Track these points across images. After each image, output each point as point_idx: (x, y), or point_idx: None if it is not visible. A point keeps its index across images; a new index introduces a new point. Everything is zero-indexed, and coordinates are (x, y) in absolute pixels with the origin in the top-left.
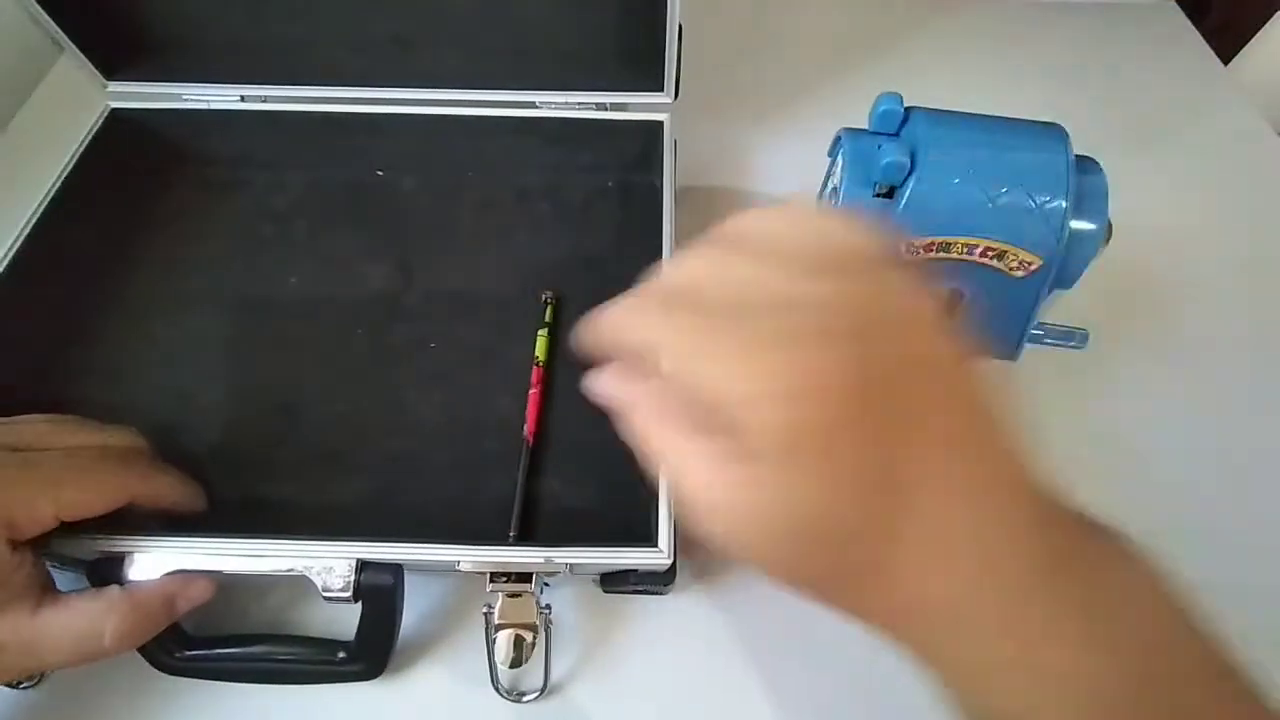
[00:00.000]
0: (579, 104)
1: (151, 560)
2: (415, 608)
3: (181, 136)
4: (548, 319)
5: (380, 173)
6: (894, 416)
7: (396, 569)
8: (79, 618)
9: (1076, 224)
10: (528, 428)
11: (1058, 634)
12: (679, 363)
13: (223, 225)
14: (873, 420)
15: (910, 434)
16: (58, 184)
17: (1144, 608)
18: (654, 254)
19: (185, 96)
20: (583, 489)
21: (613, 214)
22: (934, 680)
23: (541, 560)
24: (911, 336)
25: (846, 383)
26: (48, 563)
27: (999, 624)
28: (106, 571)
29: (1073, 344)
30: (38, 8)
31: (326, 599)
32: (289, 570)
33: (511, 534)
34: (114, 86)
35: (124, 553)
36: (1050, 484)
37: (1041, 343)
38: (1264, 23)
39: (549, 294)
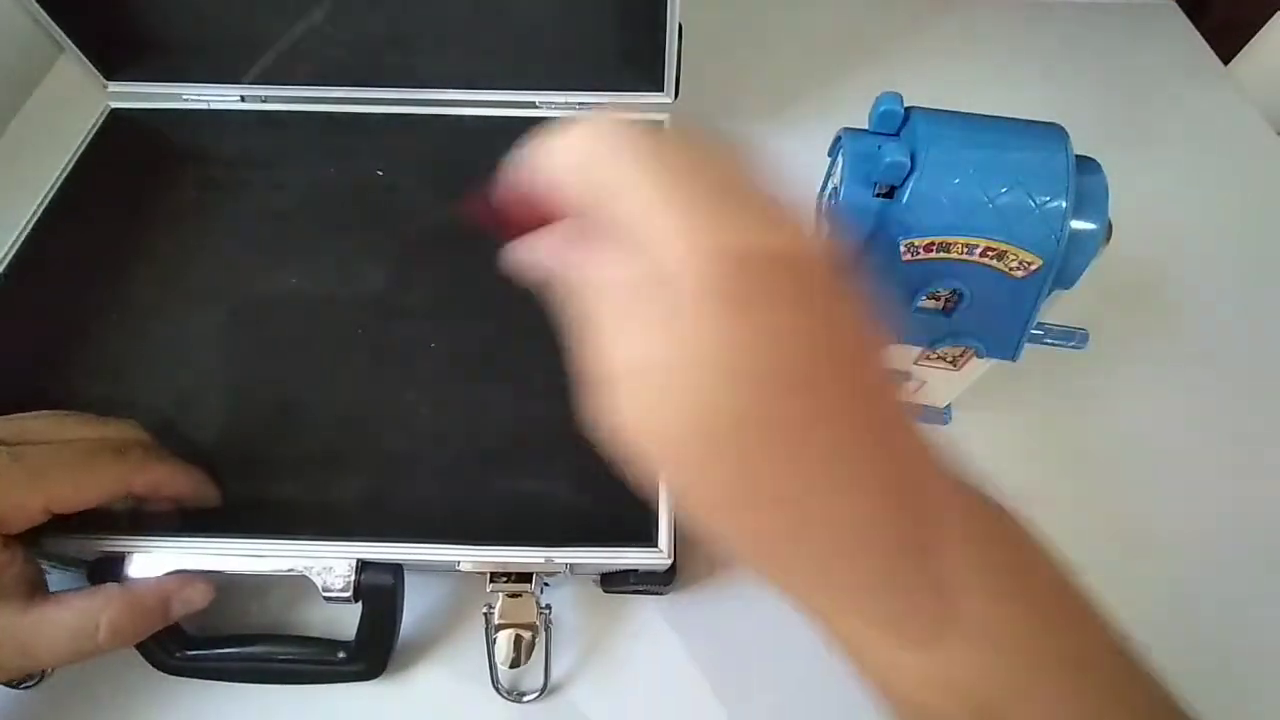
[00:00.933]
0: (579, 104)
1: (151, 560)
2: (415, 608)
3: (181, 136)
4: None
5: (380, 173)
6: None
7: (397, 569)
8: (72, 613)
9: (1076, 224)
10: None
11: (962, 586)
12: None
13: (223, 225)
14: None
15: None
16: (58, 184)
17: (1033, 556)
18: None
19: (185, 96)
20: (583, 488)
21: None
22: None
23: (542, 560)
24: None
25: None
26: (48, 564)
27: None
28: (106, 571)
29: (1073, 344)
30: (38, 7)
31: (326, 599)
32: (289, 570)
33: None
34: (114, 86)
35: (124, 553)
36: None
37: (1041, 343)
38: (1264, 23)
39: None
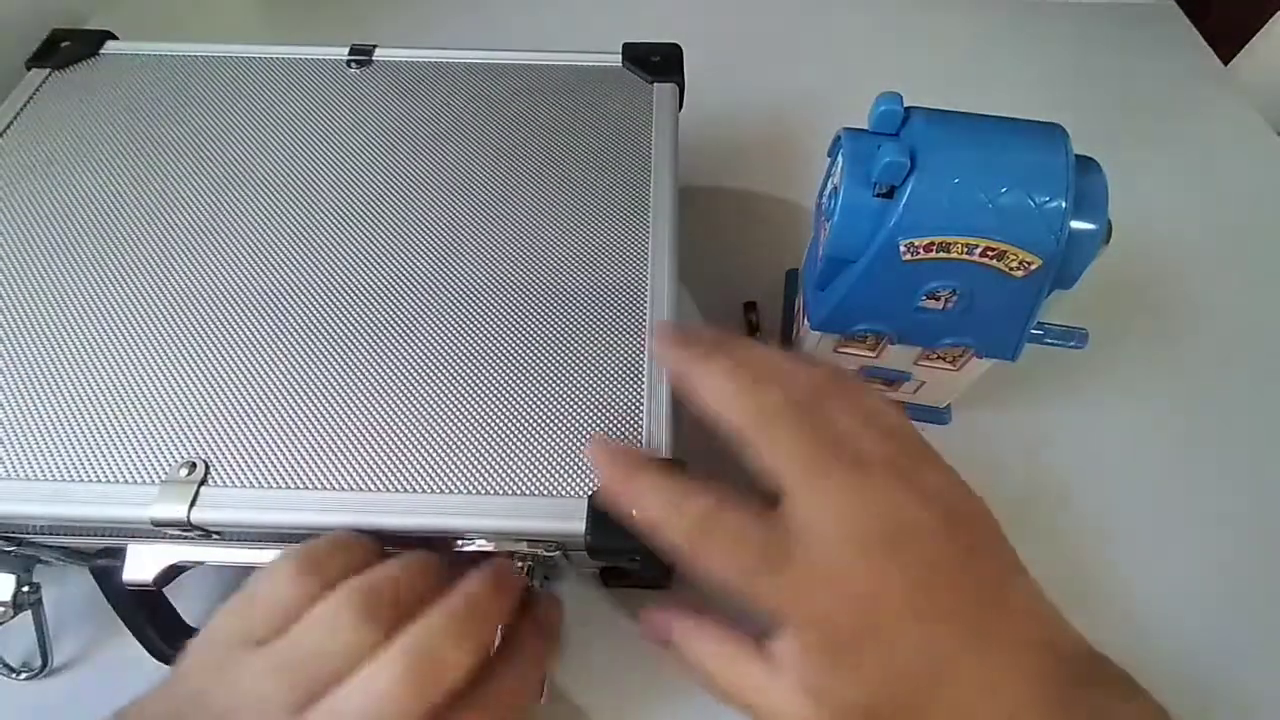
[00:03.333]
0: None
1: (150, 552)
2: None
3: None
4: None
5: None
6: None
7: None
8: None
9: (1076, 224)
10: None
11: None
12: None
13: None
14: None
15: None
16: None
17: None
18: None
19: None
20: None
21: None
22: None
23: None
24: (962, 533)
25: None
26: (41, 558)
27: None
28: (109, 565)
29: (1073, 344)
30: None
31: None
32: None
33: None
34: None
35: (121, 546)
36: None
37: (1041, 343)
38: (1264, 23)
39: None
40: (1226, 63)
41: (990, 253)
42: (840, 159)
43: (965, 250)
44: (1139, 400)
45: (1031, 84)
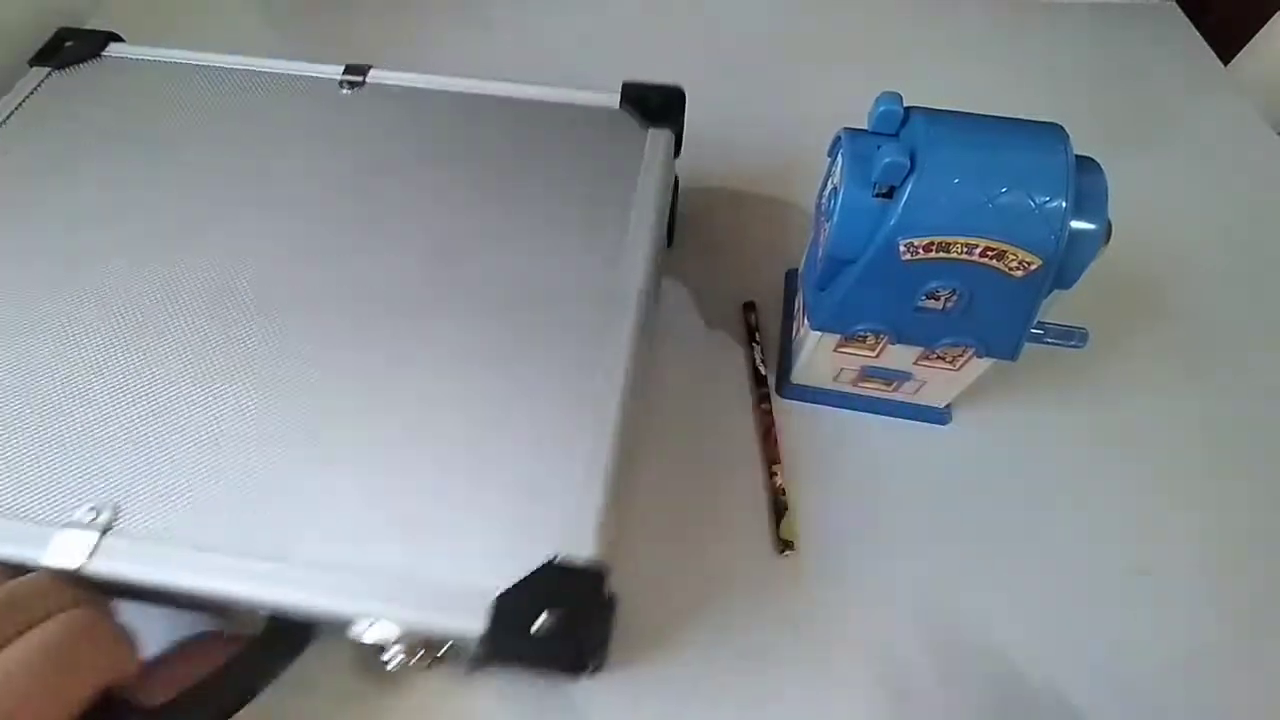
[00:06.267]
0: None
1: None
2: None
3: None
4: None
5: None
6: None
7: None
8: None
9: (1076, 224)
10: None
11: None
12: None
13: None
14: None
15: None
16: None
17: None
18: None
19: None
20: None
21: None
22: None
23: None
24: None
25: None
26: None
27: None
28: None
29: (1073, 344)
30: None
31: None
32: None
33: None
34: None
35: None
36: None
37: (1041, 342)
38: (1264, 23)
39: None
40: (1226, 63)
41: (990, 253)
42: (840, 159)
43: (965, 250)
44: (1139, 400)
45: (1031, 84)
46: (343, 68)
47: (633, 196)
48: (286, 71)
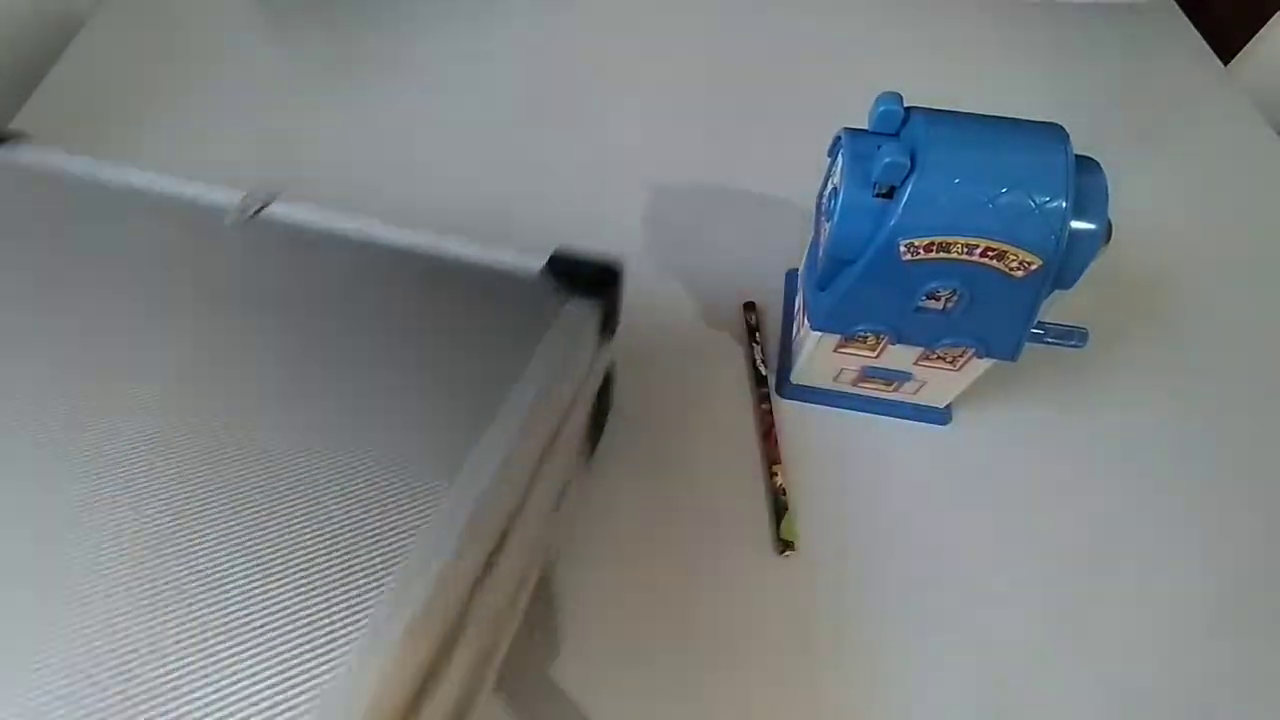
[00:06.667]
0: None
1: None
2: None
3: None
4: None
5: None
6: None
7: None
8: None
9: (1076, 224)
10: None
11: None
12: None
13: None
14: None
15: None
16: None
17: None
18: None
19: None
20: None
21: None
22: None
23: None
24: None
25: None
26: None
27: None
28: None
29: (1073, 344)
30: None
31: None
32: None
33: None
34: None
35: None
36: None
37: (1041, 342)
38: (1263, 23)
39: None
40: (1226, 63)
41: (990, 253)
42: (840, 159)
43: (965, 250)
44: (1138, 400)
45: (1031, 84)
46: (243, 194)
47: (522, 366)
48: (184, 194)
